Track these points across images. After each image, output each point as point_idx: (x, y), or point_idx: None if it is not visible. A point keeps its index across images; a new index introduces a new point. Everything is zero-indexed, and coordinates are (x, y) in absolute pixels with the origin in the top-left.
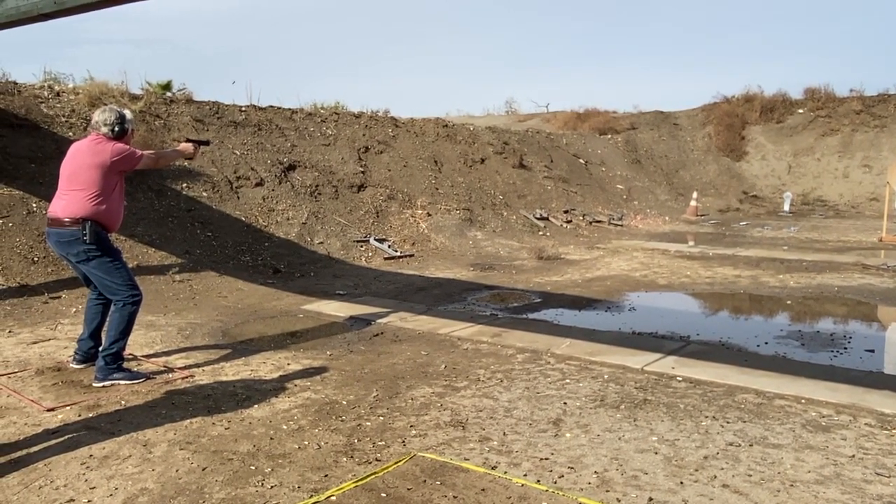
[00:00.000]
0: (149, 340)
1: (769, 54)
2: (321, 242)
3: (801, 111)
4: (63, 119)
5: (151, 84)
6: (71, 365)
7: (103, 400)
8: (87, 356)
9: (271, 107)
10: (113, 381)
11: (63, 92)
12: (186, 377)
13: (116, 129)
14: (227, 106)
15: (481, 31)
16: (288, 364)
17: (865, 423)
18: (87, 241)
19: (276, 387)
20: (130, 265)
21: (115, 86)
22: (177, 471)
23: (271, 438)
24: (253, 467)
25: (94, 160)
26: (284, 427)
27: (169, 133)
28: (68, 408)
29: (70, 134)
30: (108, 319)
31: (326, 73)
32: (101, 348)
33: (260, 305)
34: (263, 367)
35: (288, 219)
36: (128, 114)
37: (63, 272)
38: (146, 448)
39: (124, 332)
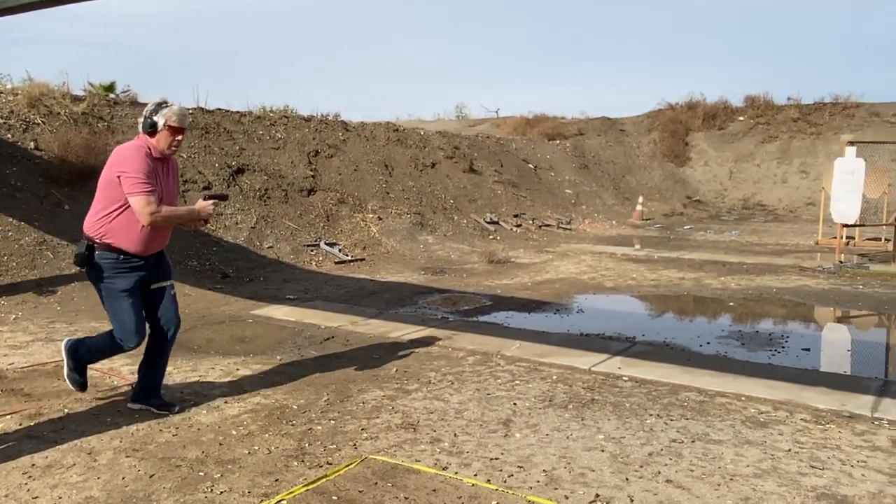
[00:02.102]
0: None
1: (712, 62)
2: (271, 247)
3: (741, 118)
4: (1, 121)
5: (94, 85)
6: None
7: (45, 408)
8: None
9: (219, 109)
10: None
11: (1, 93)
12: (132, 384)
13: (144, 121)
14: None
15: (432, 36)
16: (237, 369)
17: (801, 419)
18: (78, 263)
19: (225, 392)
20: (64, 272)
21: (56, 87)
22: (123, 479)
23: (220, 444)
24: (202, 473)
25: (109, 166)
26: (234, 432)
27: (113, 136)
28: (9, 417)
29: (9, 136)
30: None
31: (276, 77)
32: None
33: (208, 311)
34: (212, 372)
35: (237, 223)
36: (173, 106)
37: (1, 278)
38: (91, 456)
39: (97, 353)
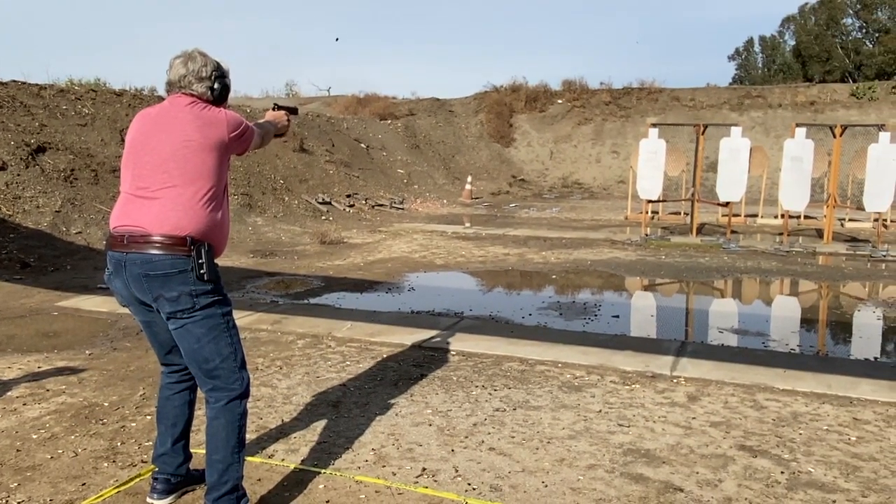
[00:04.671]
0: None
1: (533, 49)
2: (79, 232)
3: (560, 101)
4: None
5: None
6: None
7: None
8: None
9: (14, 81)
10: None
11: None
12: None
13: (217, 85)
14: None
15: (260, 11)
16: (39, 367)
17: (611, 381)
18: (205, 277)
19: (24, 393)
20: None
21: None
22: None
23: (18, 450)
24: None
25: (204, 136)
26: (34, 436)
27: None
28: None
29: None
30: (208, 430)
31: (84, 49)
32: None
33: (6, 304)
34: (9, 372)
35: (38, 207)
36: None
37: None
38: None
39: (238, 447)
